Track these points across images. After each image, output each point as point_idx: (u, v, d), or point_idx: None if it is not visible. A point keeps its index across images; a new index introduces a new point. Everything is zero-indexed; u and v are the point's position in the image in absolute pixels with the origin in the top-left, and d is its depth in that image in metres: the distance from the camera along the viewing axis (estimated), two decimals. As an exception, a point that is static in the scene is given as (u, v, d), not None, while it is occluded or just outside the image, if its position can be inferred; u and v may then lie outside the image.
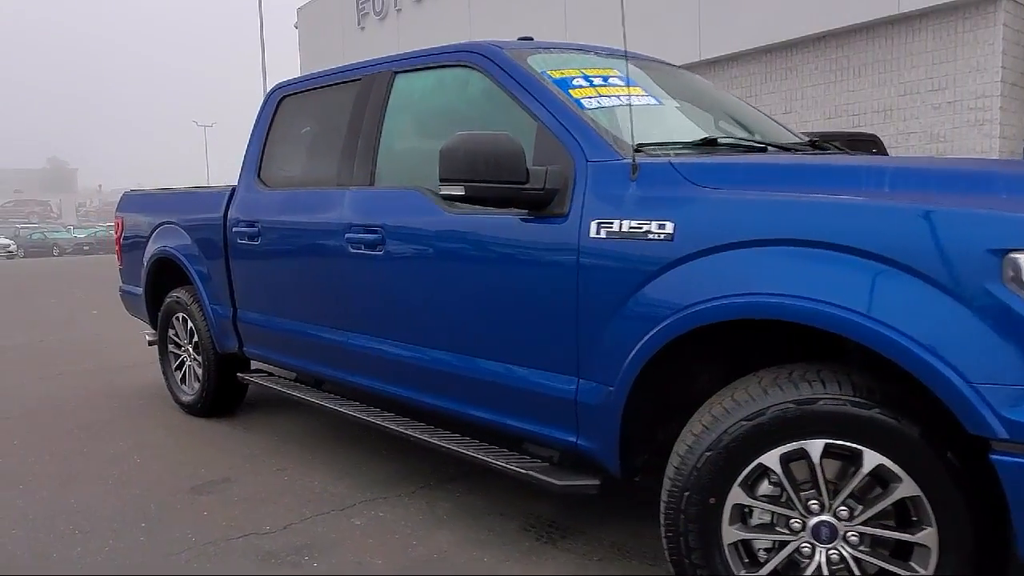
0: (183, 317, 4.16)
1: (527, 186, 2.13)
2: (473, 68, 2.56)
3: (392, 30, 20.91)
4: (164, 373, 4.41)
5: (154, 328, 4.54)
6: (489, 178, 2.10)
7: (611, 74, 2.56)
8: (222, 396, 4.07)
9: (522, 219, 2.25)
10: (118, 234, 4.76)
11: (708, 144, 2.30)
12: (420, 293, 2.59)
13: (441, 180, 2.17)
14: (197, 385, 4.14)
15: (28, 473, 3.35)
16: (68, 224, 50.65)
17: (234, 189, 3.67)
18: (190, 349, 4.19)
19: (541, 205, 2.18)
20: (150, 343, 4.66)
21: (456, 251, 2.44)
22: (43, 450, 3.66)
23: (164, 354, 4.39)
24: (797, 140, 2.85)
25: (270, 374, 3.71)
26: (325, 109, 3.28)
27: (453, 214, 2.46)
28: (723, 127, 2.69)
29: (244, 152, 3.60)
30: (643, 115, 2.40)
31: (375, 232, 2.74)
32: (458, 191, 2.13)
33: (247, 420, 4.10)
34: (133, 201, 4.71)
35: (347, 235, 2.85)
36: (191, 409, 4.18)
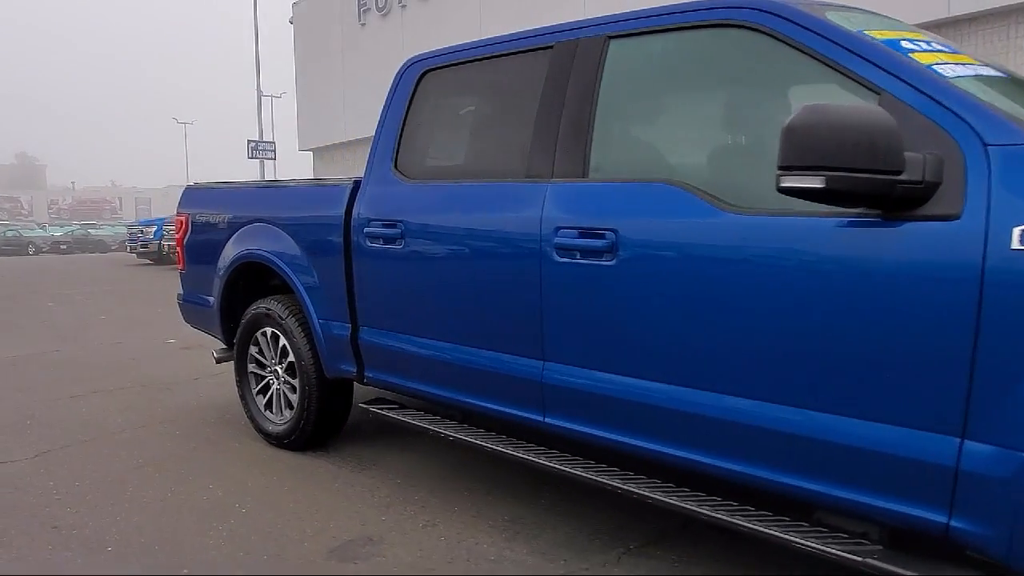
0: (272, 333, 3.53)
1: (903, 177, 1.57)
2: (751, 28, 1.99)
3: (396, 26, 20.30)
4: (242, 396, 3.76)
5: (227, 344, 3.89)
6: (860, 166, 1.54)
7: (929, 39, 2.01)
8: (322, 427, 3.45)
9: (858, 222, 1.68)
10: (181, 235, 4.09)
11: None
12: (682, 315, 2.00)
13: (782, 168, 1.59)
14: (289, 413, 3.51)
15: (112, 529, 2.69)
16: (42, 222, 48.99)
17: (358, 182, 3.06)
18: (279, 371, 3.55)
19: (912, 204, 1.62)
20: (218, 360, 4.02)
21: (752, 265, 1.86)
22: (117, 496, 2.99)
23: (243, 375, 3.74)
24: None
25: (402, 405, 3.08)
26: (495, 84, 2.69)
27: (741, 215, 1.88)
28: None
29: (374, 139, 2.99)
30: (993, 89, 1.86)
31: (601, 237, 2.15)
32: (814, 183, 1.55)
33: (349, 456, 3.46)
34: (203, 196, 4.04)
35: (555, 240, 2.26)
36: (280, 441, 3.53)
